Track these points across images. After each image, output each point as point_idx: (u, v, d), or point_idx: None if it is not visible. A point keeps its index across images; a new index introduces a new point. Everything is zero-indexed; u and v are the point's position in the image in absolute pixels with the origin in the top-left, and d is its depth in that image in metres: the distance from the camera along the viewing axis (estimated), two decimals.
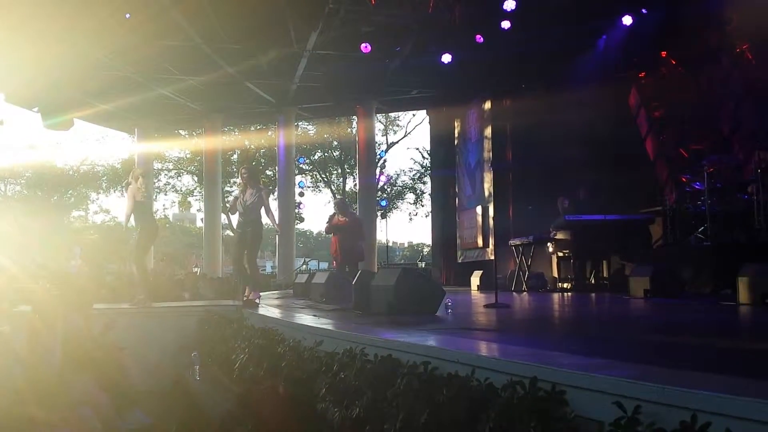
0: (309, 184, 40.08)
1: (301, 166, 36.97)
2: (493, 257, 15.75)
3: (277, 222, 12.99)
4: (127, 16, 15.39)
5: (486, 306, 9.25)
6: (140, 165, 25.26)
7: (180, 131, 33.64)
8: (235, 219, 11.52)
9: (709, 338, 5.30)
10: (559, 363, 3.30)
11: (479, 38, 16.72)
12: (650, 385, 2.63)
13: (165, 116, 24.58)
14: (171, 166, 39.45)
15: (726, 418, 2.30)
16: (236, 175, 39.16)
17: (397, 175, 42.73)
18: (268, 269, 57.27)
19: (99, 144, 41.38)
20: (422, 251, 61.84)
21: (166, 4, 15.16)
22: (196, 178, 39.04)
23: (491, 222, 18.58)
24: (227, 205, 14.97)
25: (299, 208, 27.02)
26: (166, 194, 41.26)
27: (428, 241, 38.76)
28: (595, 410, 2.80)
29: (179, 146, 35.87)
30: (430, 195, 32.09)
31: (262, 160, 38.05)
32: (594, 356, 3.67)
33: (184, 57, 18.94)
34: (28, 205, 37.00)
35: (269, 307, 10.44)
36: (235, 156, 37.48)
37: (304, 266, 38.58)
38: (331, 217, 14.07)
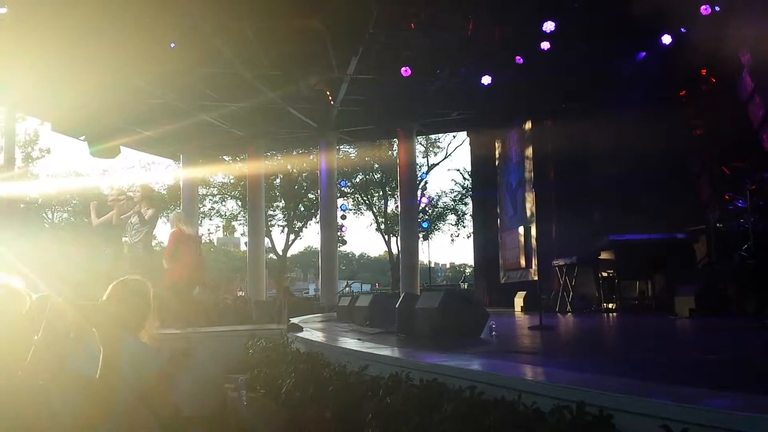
0: (351, 207, 40.25)
1: (342, 189, 37.13)
2: (536, 278, 15.72)
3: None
4: (172, 45, 15.64)
5: (530, 328, 9.23)
6: (185, 190, 25.62)
7: (224, 157, 33.99)
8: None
9: (756, 358, 5.26)
10: (605, 386, 3.32)
11: (519, 59, 16.73)
12: (697, 408, 2.65)
13: (209, 142, 24.79)
14: (215, 191, 39.91)
15: None
16: (279, 199, 39.58)
17: (439, 196, 42.80)
18: (311, 292, 57.53)
19: (145, 171, 41.94)
20: (464, 272, 61.65)
21: (208, 33, 15.38)
22: (239, 203, 39.46)
23: (534, 242, 18.52)
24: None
25: (341, 230, 27.08)
26: (210, 219, 41.73)
27: (470, 261, 38.76)
28: None
29: (223, 171, 36.21)
30: (472, 216, 32.06)
31: (305, 184, 38.36)
32: (641, 379, 3.68)
33: (227, 83, 19.16)
34: (75, 232, 37.46)
35: (313, 331, 10.50)
36: (278, 180, 37.80)
37: (347, 289, 38.66)
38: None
